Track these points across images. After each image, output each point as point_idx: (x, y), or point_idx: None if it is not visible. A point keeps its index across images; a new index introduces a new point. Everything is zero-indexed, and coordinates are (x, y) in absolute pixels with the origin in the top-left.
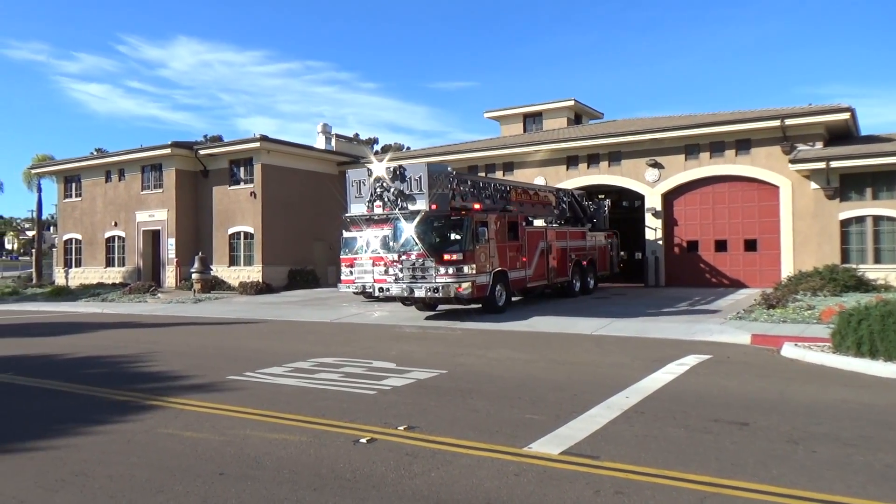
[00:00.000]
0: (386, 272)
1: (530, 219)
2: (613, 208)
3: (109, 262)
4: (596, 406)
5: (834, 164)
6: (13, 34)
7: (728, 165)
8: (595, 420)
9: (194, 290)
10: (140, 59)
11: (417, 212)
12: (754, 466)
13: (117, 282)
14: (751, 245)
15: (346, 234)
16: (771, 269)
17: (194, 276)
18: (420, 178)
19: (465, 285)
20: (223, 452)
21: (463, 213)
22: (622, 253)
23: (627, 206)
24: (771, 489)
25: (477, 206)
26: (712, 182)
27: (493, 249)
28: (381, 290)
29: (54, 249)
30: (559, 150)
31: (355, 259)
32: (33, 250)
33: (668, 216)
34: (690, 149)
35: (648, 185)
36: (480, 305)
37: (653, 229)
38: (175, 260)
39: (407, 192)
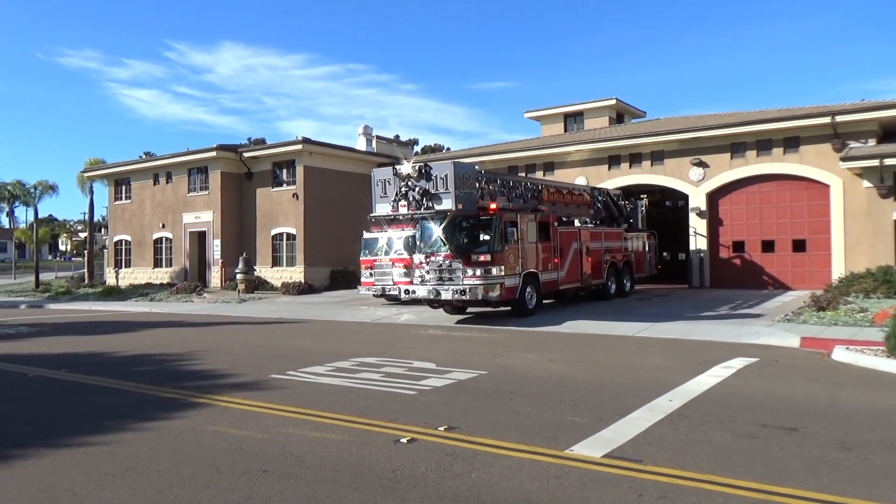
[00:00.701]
0: (407, 274)
1: (564, 219)
2: (656, 208)
3: (157, 263)
4: (638, 409)
5: (888, 161)
6: (67, 43)
7: (776, 164)
8: (638, 423)
9: (239, 291)
10: (187, 65)
11: (443, 212)
12: (804, 473)
13: (165, 282)
14: (799, 245)
15: (366, 235)
16: (821, 271)
17: (238, 276)
18: (446, 176)
19: (492, 288)
20: (267, 450)
21: (491, 212)
22: (664, 253)
23: (671, 205)
24: (822, 497)
25: (494, 205)
26: (759, 181)
27: (522, 250)
28: (406, 292)
29: (105, 250)
30: (600, 149)
31: (375, 261)
32: (85, 251)
33: (713, 216)
34: (736, 147)
35: (693, 184)
36: (510, 308)
37: (697, 230)
38: (220, 261)
39: (433, 192)
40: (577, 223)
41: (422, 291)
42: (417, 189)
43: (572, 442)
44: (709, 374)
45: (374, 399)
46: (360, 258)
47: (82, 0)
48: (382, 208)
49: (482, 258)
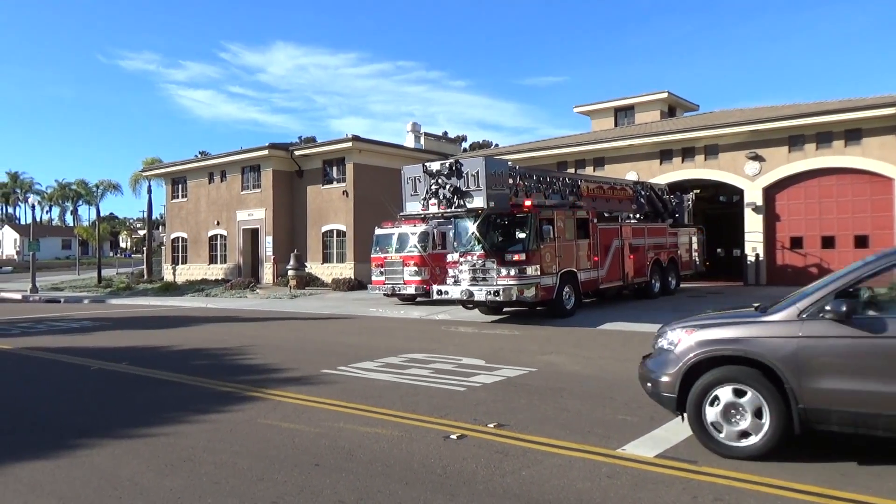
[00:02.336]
0: (418, 272)
1: (606, 214)
2: (709, 204)
3: (212, 260)
4: None
5: None
6: (128, 46)
7: (836, 157)
8: None
9: (290, 287)
10: (241, 65)
11: (475, 210)
12: (867, 478)
13: (219, 278)
14: (862, 241)
15: (377, 231)
16: None
17: (290, 272)
18: (477, 173)
19: (527, 288)
20: (318, 444)
21: (525, 209)
22: (718, 250)
23: (725, 201)
24: (886, 503)
25: (528, 202)
26: (818, 175)
27: (559, 248)
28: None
29: (163, 247)
30: (652, 143)
31: (386, 258)
32: (144, 248)
33: (769, 211)
34: (795, 140)
35: (748, 178)
36: (547, 308)
37: (753, 226)
38: (272, 257)
39: (464, 189)
40: (618, 219)
41: (455, 292)
42: (448, 187)
43: (624, 441)
44: None
45: (424, 395)
46: (371, 255)
47: (142, 4)
48: (413, 207)
49: (516, 257)
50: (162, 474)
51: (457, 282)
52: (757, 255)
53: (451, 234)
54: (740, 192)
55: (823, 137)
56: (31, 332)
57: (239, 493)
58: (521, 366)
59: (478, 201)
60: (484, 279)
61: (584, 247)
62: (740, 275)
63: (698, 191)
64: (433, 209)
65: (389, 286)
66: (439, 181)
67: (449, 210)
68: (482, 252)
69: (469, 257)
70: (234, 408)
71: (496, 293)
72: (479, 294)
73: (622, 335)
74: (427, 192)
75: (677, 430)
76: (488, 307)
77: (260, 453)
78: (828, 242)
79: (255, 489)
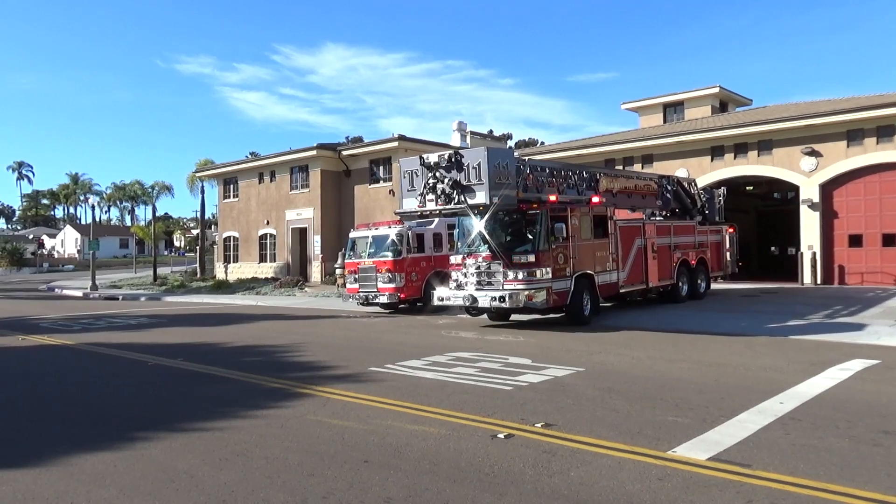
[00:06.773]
0: (391, 279)
1: (630, 211)
2: (762, 200)
3: (262, 258)
4: (746, 411)
5: None
6: (184, 51)
7: None
8: (745, 426)
9: (338, 285)
10: (292, 67)
11: (476, 206)
12: None
13: (269, 276)
14: None
15: (351, 234)
16: None
17: (338, 271)
18: (479, 165)
19: (537, 293)
20: (367, 441)
21: (535, 206)
22: (772, 248)
23: (780, 197)
24: None
25: (553, 197)
26: (879, 170)
27: (574, 249)
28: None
29: (215, 246)
30: (702, 140)
31: (359, 264)
32: (197, 247)
33: (826, 208)
34: (853, 134)
35: (804, 174)
36: (563, 315)
37: (809, 223)
38: (320, 256)
39: (465, 184)
40: (641, 215)
41: (457, 298)
42: (447, 181)
43: (675, 443)
44: (823, 376)
45: (471, 394)
46: (345, 261)
47: (199, 10)
48: (409, 203)
49: (525, 259)
50: (216, 468)
51: (459, 286)
52: (813, 254)
53: (455, 233)
54: (795, 189)
55: (884, 131)
56: (91, 328)
57: (290, 488)
58: (569, 365)
59: (480, 197)
60: (489, 283)
61: (602, 247)
62: (795, 274)
63: (751, 187)
64: (431, 206)
65: (363, 294)
66: (437, 175)
67: (448, 207)
68: (488, 253)
69: (473, 259)
70: (284, 404)
71: (501, 299)
72: (484, 300)
73: (674, 335)
74: (424, 188)
75: (731, 432)
76: (496, 313)
77: (310, 449)
78: (889, 240)
79: (305, 484)
